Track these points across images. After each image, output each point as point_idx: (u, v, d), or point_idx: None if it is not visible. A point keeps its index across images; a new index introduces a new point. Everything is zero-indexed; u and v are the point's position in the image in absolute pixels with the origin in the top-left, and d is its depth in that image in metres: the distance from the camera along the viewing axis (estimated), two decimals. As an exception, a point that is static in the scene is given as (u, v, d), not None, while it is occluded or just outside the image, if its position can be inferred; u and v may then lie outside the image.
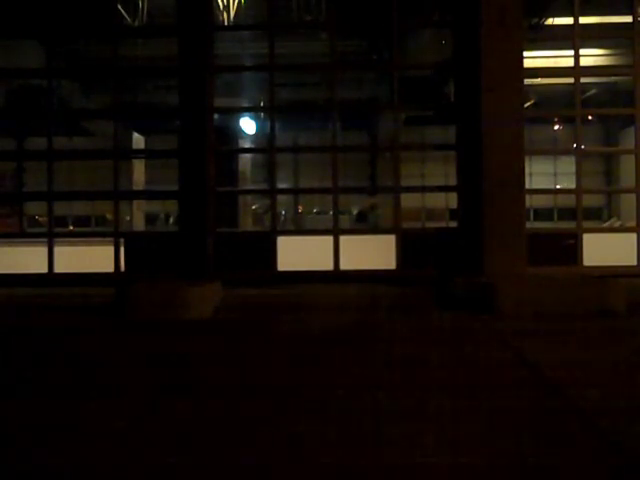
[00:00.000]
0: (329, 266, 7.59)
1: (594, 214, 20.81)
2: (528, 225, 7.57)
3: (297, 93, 13.95)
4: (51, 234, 7.91)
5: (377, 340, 4.57)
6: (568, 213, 15.45)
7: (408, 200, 8.78)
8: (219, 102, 8.21)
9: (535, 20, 11.10)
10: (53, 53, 8.17)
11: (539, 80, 14.42)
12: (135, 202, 17.26)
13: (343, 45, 11.27)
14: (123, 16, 11.15)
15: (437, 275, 7.13)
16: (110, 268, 7.68)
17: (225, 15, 12.37)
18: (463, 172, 7.52)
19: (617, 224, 17.51)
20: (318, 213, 21.59)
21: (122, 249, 7.76)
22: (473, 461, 2.22)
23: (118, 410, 2.90)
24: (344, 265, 7.59)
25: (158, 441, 2.49)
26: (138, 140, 17.68)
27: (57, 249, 7.80)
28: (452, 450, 2.32)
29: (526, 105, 14.19)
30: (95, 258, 7.75)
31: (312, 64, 12.27)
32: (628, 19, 7.85)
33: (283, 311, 5.99)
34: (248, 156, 16.98)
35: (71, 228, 20.66)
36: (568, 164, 11.04)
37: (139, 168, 17.63)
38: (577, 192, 7.80)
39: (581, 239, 7.63)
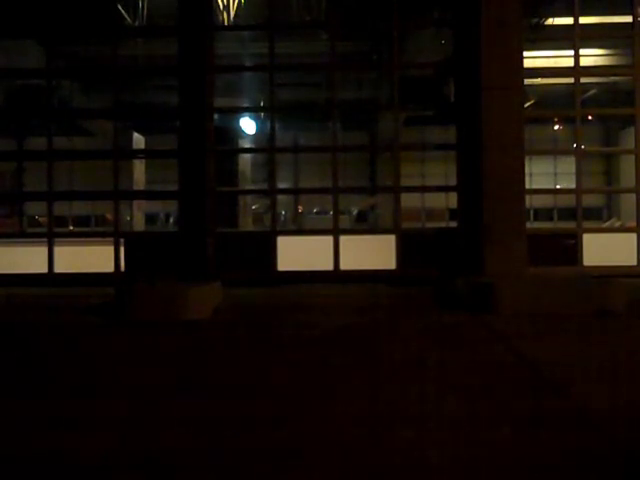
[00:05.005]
0: (329, 266, 7.59)
1: (594, 214, 20.81)
2: (528, 225, 7.58)
3: (297, 93, 13.95)
4: (51, 234, 7.92)
5: (378, 341, 4.56)
6: (568, 213, 15.47)
7: (408, 200, 8.79)
8: (219, 102, 8.22)
9: (535, 20, 11.09)
10: (53, 53, 8.18)
11: (539, 80, 14.42)
12: (135, 202, 17.25)
13: (343, 45, 11.27)
14: (123, 16, 11.17)
15: (437, 275, 7.14)
16: (110, 268, 7.69)
17: (225, 15, 12.37)
18: (463, 172, 7.52)
19: (617, 224, 17.51)
20: (318, 213, 21.57)
21: (122, 249, 7.77)
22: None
23: (118, 408, 2.91)
24: (344, 265, 7.60)
25: (154, 439, 2.50)
26: (138, 140, 17.66)
27: (57, 249, 7.81)
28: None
29: (526, 105, 14.20)
30: (95, 258, 7.75)
31: (312, 64, 12.25)
32: (628, 19, 7.87)
33: (283, 312, 5.99)
34: (248, 156, 16.97)
35: (71, 228, 20.67)
36: (568, 164, 11.05)
37: (139, 168, 17.61)
38: (577, 192, 7.81)
39: (581, 239, 7.64)
